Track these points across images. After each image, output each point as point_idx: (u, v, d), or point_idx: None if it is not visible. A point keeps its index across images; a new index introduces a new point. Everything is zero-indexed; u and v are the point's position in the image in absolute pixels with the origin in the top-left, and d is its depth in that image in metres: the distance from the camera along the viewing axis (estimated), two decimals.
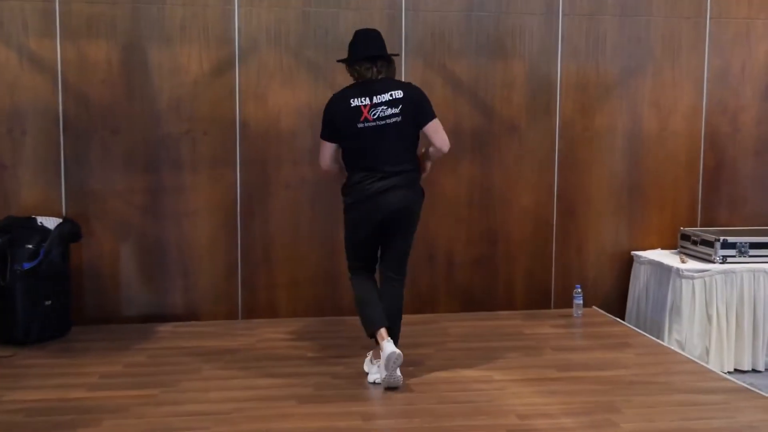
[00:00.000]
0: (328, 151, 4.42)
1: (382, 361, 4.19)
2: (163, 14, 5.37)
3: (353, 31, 4.45)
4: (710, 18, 5.97)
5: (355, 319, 5.24)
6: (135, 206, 5.47)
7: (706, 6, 5.96)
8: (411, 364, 4.56)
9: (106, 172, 5.41)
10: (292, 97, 5.53)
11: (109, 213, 5.44)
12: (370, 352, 4.46)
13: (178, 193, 5.50)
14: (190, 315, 5.58)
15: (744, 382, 4.52)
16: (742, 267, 5.45)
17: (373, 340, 4.32)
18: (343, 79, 5.16)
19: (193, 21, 5.41)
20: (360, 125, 4.27)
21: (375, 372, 4.32)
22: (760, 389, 4.39)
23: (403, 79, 5.55)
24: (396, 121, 4.27)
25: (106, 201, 5.43)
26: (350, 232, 4.44)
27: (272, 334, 5.25)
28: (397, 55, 4.76)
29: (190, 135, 5.48)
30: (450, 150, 5.55)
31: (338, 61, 4.55)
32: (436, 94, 5.60)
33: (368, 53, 4.36)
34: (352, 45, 4.43)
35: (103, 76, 5.35)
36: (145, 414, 3.88)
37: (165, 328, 5.38)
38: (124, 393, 4.15)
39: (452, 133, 5.50)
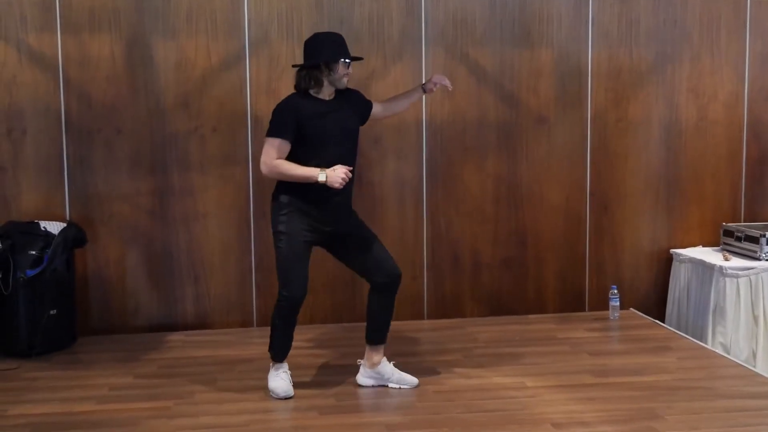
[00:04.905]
0: None
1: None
2: (168, 5, 5.41)
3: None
4: None
5: None
6: (142, 209, 5.52)
7: None
8: (437, 372, 4.60)
9: (110, 174, 5.46)
10: None
11: (114, 217, 5.49)
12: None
13: (187, 195, 5.54)
14: (201, 324, 5.62)
15: None
16: None
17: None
18: (359, 70, 5.19)
19: (200, 11, 5.45)
20: None
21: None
22: None
23: (423, 70, 5.62)
24: None
25: (111, 204, 5.47)
26: None
27: None
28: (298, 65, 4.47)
29: (199, 132, 5.52)
30: (475, 144, 5.58)
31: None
32: (459, 84, 5.62)
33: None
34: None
35: (107, 72, 5.40)
36: (157, 427, 3.93)
37: (176, 337, 5.42)
38: (135, 405, 4.20)
39: (476, 126, 5.54)
